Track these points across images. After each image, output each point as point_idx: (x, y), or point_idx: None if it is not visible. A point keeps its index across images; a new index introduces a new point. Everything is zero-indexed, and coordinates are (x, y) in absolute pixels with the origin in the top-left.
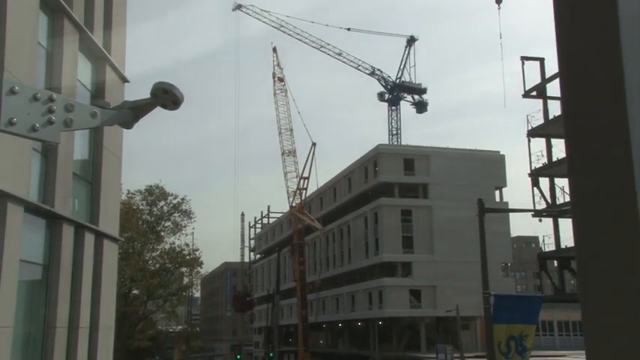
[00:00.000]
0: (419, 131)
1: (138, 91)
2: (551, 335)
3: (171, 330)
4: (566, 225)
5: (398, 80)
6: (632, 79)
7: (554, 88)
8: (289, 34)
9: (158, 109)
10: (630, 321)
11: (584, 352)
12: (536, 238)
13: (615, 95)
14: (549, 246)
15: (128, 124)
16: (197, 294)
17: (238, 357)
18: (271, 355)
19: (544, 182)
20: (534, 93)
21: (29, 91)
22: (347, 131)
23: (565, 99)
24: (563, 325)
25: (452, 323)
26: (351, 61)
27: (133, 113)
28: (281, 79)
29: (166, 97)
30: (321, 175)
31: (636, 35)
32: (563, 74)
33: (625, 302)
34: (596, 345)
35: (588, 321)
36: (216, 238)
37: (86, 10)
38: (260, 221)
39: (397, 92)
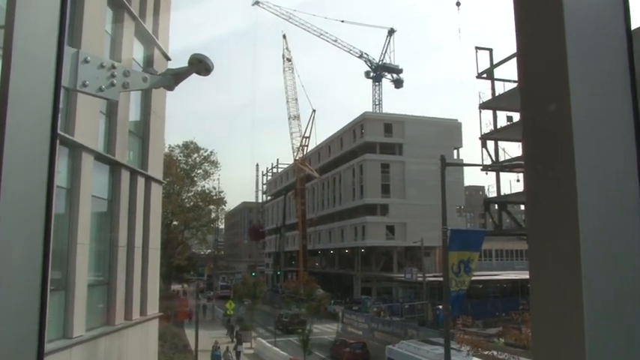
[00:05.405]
0: (396, 102)
1: (177, 65)
2: (490, 260)
3: (202, 252)
4: (506, 177)
5: (380, 62)
6: (575, 72)
7: (500, 72)
8: (296, 25)
9: (194, 76)
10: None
11: (513, 271)
12: (482, 187)
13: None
14: (492, 193)
15: (170, 87)
16: (222, 226)
17: (253, 274)
18: (279, 273)
19: (490, 144)
20: (485, 75)
21: (97, 60)
22: (340, 101)
23: (520, 80)
24: (499, 253)
25: (417, 251)
26: (344, 46)
27: (174, 78)
28: (289, 60)
29: (200, 65)
30: (319, 135)
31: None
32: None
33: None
34: (539, 270)
35: (532, 251)
36: (237, 183)
37: (140, 4)
38: (271, 170)
39: (380, 71)
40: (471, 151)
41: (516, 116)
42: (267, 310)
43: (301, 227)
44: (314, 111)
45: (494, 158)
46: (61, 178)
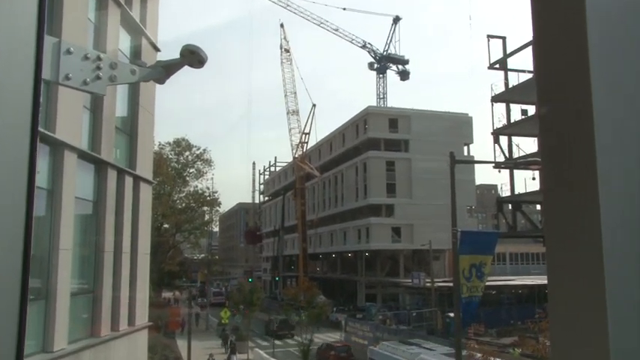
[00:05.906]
0: (402, 95)
1: (167, 57)
2: (503, 264)
3: (195, 257)
4: (520, 175)
5: (385, 52)
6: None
7: (514, 62)
8: (294, 12)
9: (185, 69)
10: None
11: (528, 276)
12: (495, 186)
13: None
14: (505, 192)
15: (161, 80)
16: (216, 228)
17: (250, 280)
18: (277, 278)
19: (503, 140)
20: (497, 66)
21: (81, 51)
22: (342, 94)
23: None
24: (513, 256)
25: (425, 254)
26: (346, 35)
27: (164, 71)
28: (287, 50)
29: (192, 57)
30: (320, 131)
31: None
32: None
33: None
34: (559, 271)
35: (551, 255)
36: (232, 182)
37: None
38: (268, 169)
39: (384, 63)
40: (482, 147)
41: (531, 109)
42: (264, 319)
43: (301, 229)
44: (314, 105)
45: (507, 155)
46: (41, 178)
